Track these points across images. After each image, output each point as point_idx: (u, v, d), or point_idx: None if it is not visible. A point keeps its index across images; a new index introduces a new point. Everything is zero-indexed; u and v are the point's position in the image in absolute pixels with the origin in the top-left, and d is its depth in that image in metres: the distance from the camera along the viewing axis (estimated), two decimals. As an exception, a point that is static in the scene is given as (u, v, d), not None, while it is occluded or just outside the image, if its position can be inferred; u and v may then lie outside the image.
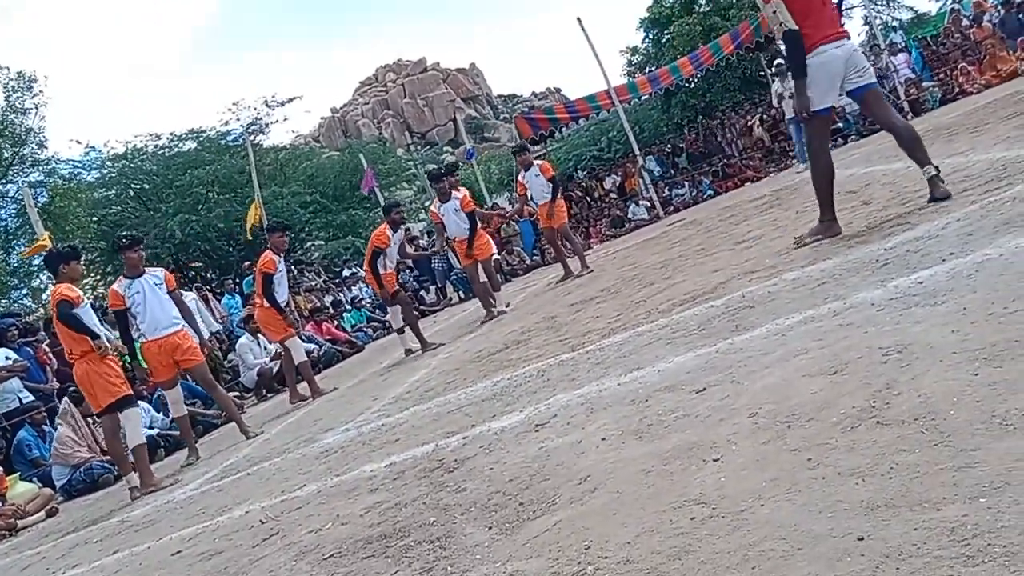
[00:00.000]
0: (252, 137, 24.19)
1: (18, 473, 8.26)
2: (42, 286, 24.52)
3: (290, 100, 27.78)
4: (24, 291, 23.83)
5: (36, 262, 21.10)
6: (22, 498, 7.49)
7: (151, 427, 9.20)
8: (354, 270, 20.14)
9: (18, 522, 7.07)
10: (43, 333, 10.68)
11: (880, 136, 15.45)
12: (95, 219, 23.32)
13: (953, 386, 2.00)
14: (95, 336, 6.06)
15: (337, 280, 19.55)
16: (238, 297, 15.69)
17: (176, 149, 25.55)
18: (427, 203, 40.14)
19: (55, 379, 10.12)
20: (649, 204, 19.21)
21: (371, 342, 14.99)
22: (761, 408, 2.38)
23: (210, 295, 15.21)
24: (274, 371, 11.40)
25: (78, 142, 39.93)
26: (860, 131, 18.17)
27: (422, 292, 17.57)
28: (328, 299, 17.19)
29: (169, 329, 6.93)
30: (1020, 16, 17.23)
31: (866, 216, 5.24)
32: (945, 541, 1.39)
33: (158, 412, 9.75)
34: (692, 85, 23.68)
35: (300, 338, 9.36)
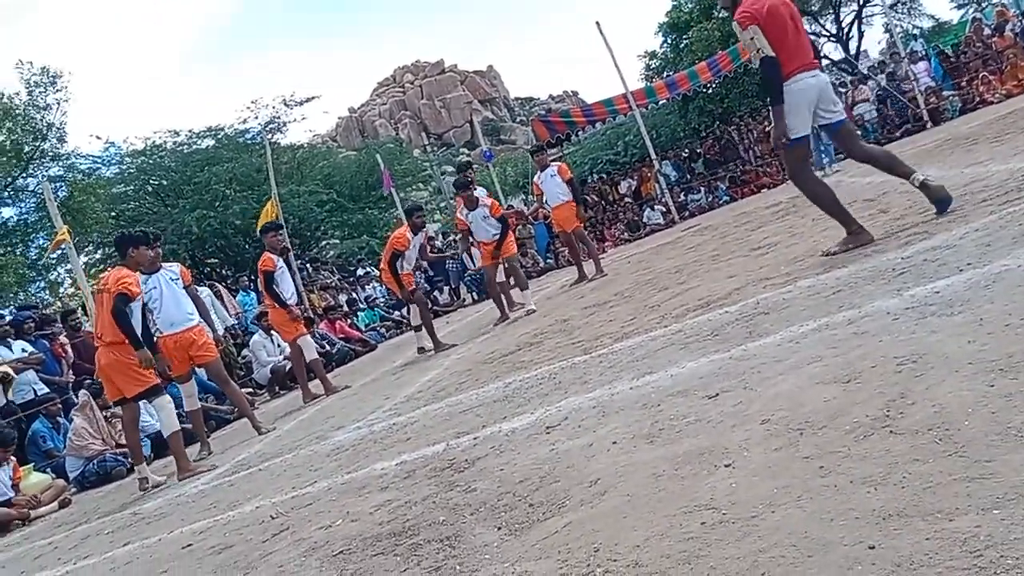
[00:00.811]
0: (270, 135, 24.28)
1: (32, 464, 8.33)
2: (60, 279, 24.73)
3: (308, 100, 27.83)
4: (42, 284, 24.02)
5: (54, 256, 21.32)
6: (36, 488, 7.56)
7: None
8: (368, 269, 20.20)
9: (31, 512, 7.13)
10: (59, 325, 10.76)
11: (897, 145, 15.36)
12: (113, 214, 23.47)
13: (968, 397, 1.99)
14: (138, 345, 6.01)
15: (351, 279, 19.62)
16: (253, 294, 15.76)
17: (195, 146, 25.67)
18: (442, 204, 40.21)
19: (71, 372, 10.20)
20: (664, 209, 19.17)
21: (384, 341, 15.03)
22: (774, 415, 2.37)
23: (225, 291, 15.29)
24: (287, 368, 11.42)
25: (98, 137, 40.09)
26: (878, 140, 18.07)
27: (435, 293, 17.61)
28: (342, 298, 17.26)
29: (184, 325, 6.99)
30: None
31: (883, 225, 5.21)
32: (957, 552, 1.38)
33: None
34: (710, 90, 23.61)
35: (313, 336, 9.39)
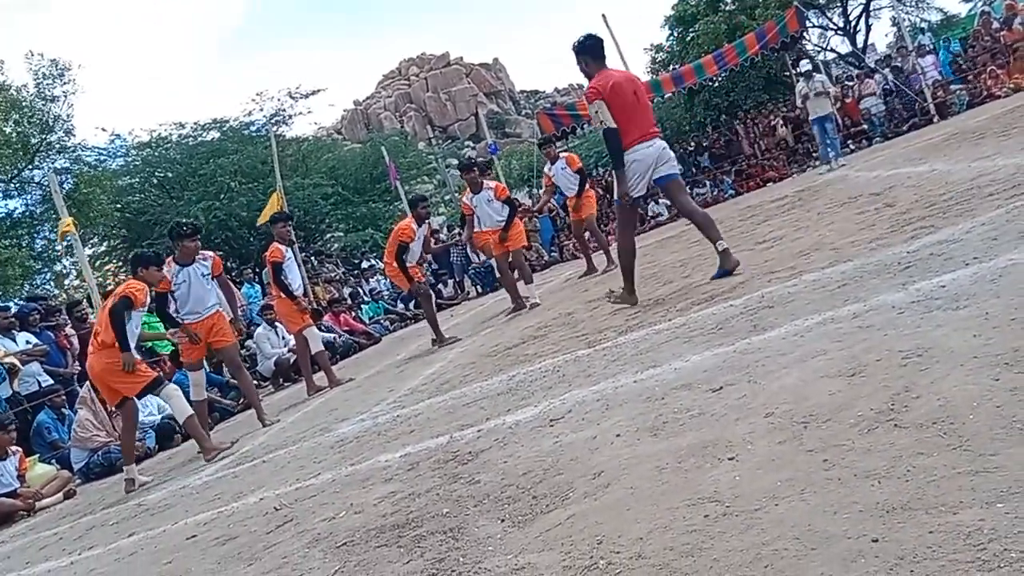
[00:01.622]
0: (275, 128, 24.29)
1: (37, 455, 8.37)
2: (65, 271, 24.79)
3: (314, 92, 27.84)
4: (48, 275, 24.08)
5: (60, 248, 21.37)
6: (41, 480, 7.60)
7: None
8: (372, 262, 20.21)
9: (36, 503, 7.16)
10: (64, 316, 10.78)
11: (904, 139, 15.34)
12: (118, 206, 23.52)
13: (973, 390, 1.98)
14: (125, 349, 6.04)
15: (356, 272, 19.64)
16: (257, 286, 15.79)
17: (200, 138, 25.71)
18: (447, 197, 40.24)
19: (76, 363, 10.23)
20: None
21: (388, 334, 15.05)
22: (778, 408, 2.37)
23: (230, 283, 15.30)
24: (291, 361, 11.45)
25: (103, 130, 40.31)
26: (885, 133, 18.02)
27: (440, 286, 17.62)
28: (347, 290, 17.29)
29: (206, 312, 7.15)
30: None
31: (889, 219, 5.19)
32: (961, 545, 1.38)
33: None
34: (716, 84, 23.54)
35: (320, 328, 9.40)
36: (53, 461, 8.42)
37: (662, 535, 1.85)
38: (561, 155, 10.93)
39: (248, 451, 5.99)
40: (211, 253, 7.46)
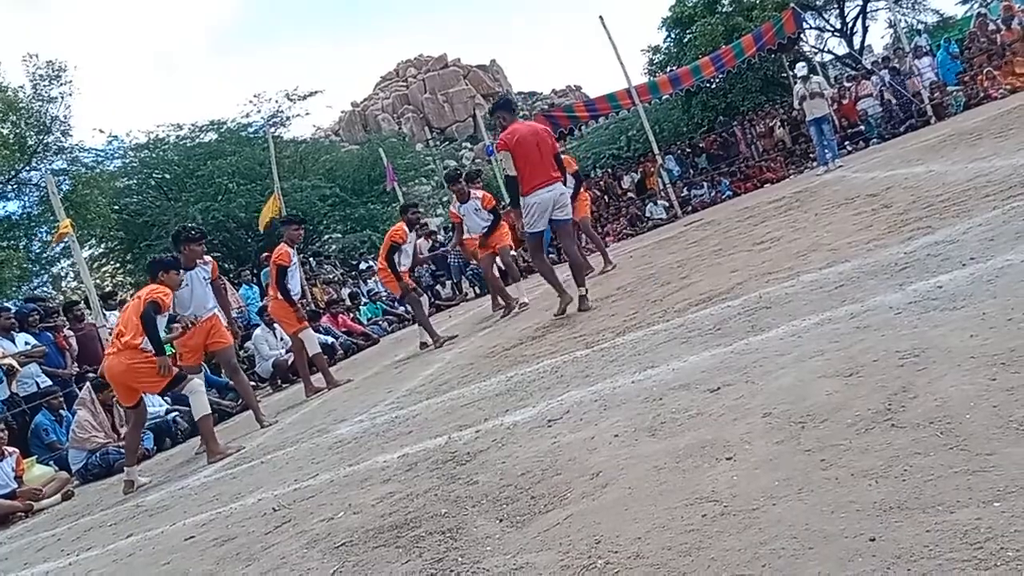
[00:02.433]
0: (273, 129, 24.29)
1: (35, 456, 8.36)
2: (63, 272, 24.76)
3: (311, 94, 27.88)
4: (45, 277, 24.05)
5: (57, 249, 21.34)
6: (39, 481, 7.59)
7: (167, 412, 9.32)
8: (371, 263, 20.20)
9: (34, 504, 7.15)
10: (63, 318, 10.77)
11: (901, 140, 15.36)
12: (116, 208, 23.48)
13: (970, 390, 1.99)
14: (160, 352, 6.10)
15: (354, 273, 19.63)
16: (256, 288, 15.78)
17: (197, 140, 25.71)
18: (445, 198, 40.25)
19: (74, 364, 10.23)
20: (667, 203, 19.15)
21: (386, 335, 15.05)
22: (775, 408, 2.37)
23: (228, 285, 15.30)
24: (289, 362, 11.44)
25: (101, 131, 40.15)
26: (882, 135, 18.05)
27: (438, 287, 17.61)
28: (345, 292, 17.28)
29: (204, 315, 7.21)
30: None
31: (886, 220, 5.20)
32: (958, 544, 1.38)
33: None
34: (713, 85, 23.57)
35: (318, 329, 9.41)
36: (51, 463, 8.40)
37: (660, 535, 1.85)
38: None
39: (246, 452, 5.99)
40: (209, 257, 7.49)
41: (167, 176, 24.87)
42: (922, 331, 2.55)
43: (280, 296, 8.47)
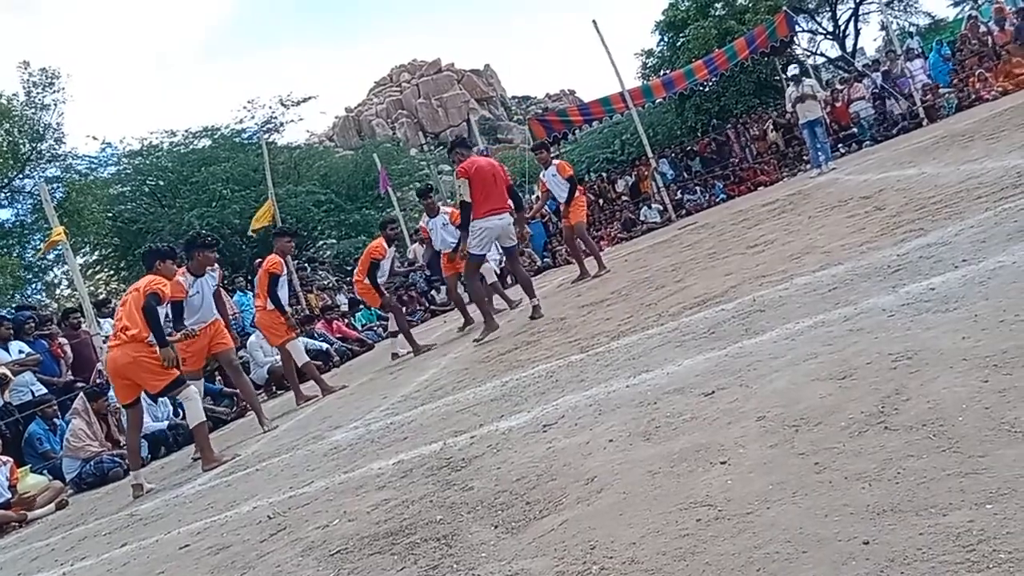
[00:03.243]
0: (267, 135, 24.29)
1: (29, 465, 8.32)
2: (56, 280, 24.69)
3: (305, 100, 27.94)
4: (38, 285, 23.99)
5: (51, 257, 21.30)
6: (33, 490, 7.55)
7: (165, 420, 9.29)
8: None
9: (28, 514, 7.12)
10: (56, 327, 10.73)
11: (893, 143, 15.41)
12: (110, 215, 23.45)
13: (962, 393, 1.99)
14: (164, 344, 6.06)
15: (348, 279, 19.61)
16: (250, 294, 15.73)
17: (191, 146, 25.68)
18: (439, 203, 40.27)
19: (69, 372, 10.19)
20: (661, 207, 19.18)
21: (381, 341, 15.02)
22: (769, 412, 2.38)
23: (223, 292, 15.26)
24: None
25: (94, 138, 40.23)
26: (875, 137, 18.11)
27: (432, 292, 17.60)
28: (340, 298, 17.26)
29: (208, 320, 7.28)
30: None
31: (879, 222, 5.22)
32: (951, 546, 1.38)
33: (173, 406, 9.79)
34: (707, 89, 23.62)
35: (313, 335, 9.43)
36: (45, 472, 8.37)
37: (655, 540, 1.85)
38: (553, 161, 11.03)
39: (241, 459, 5.97)
40: (217, 265, 7.56)
41: (161, 183, 24.84)
42: (915, 333, 2.56)
43: (271, 304, 8.39)
